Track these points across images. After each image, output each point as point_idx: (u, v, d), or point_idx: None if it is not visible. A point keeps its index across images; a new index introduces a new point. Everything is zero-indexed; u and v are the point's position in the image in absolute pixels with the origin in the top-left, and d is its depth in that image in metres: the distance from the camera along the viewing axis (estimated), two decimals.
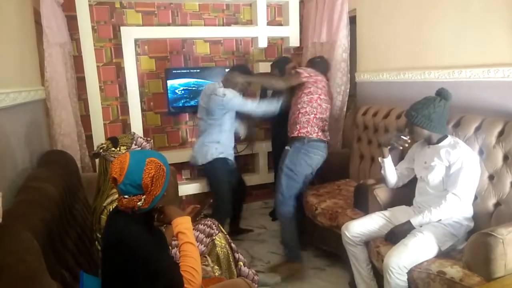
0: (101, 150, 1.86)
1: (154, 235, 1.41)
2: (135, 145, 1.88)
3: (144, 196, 1.34)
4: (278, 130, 3.16)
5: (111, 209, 1.68)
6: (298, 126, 2.69)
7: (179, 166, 3.56)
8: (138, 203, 1.33)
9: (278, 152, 3.10)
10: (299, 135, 2.67)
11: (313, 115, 2.66)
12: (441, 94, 1.98)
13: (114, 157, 1.80)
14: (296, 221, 2.70)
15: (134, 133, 2.05)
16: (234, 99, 2.71)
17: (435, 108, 1.93)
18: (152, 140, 2.07)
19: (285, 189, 2.67)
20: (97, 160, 1.95)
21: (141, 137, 1.97)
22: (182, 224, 1.45)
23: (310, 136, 2.66)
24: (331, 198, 2.71)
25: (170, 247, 1.96)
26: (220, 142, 2.80)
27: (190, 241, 1.42)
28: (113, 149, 1.84)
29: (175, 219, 1.46)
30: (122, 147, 1.84)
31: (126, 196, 1.32)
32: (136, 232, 1.32)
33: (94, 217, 1.84)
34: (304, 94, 2.68)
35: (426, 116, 1.93)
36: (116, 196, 1.71)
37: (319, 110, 2.68)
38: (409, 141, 2.04)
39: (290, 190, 2.67)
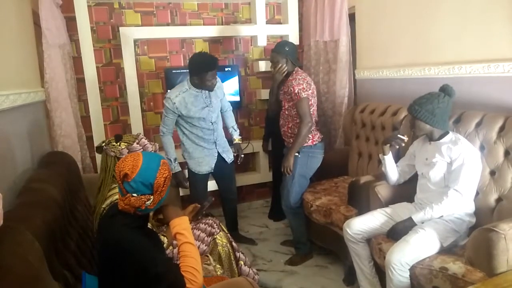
0: (103, 144, 1.88)
1: (151, 238, 1.41)
2: (137, 144, 1.88)
3: (153, 197, 1.34)
4: (273, 129, 3.20)
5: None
6: None
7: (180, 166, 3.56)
8: (147, 203, 1.33)
9: (278, 151, 3.14)
10: (304, 145, 2.66)
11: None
12: (445, 90, 1.98)
13: (113, 151, 1.83)
14: (304, 217, 2.79)
15: (140, 133, 2.05)
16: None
17: (439, 103, 1.92)
18: (157, 144, 2.06)
19: (296, 194, 2.74)
20: (99, 157, 1.95)
21: (145, 139, 1.97)
22: (180, 224, 1.45)
23: (314, 141, 2.70)
24: (326, 195, 2.71)
25: (171, 246, 1.97)
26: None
27: (189, 241, 1.42)
28: (113, 143, 1.85)
29: (172, 220, 1.46)
30: (122, 143, 1.85)
31: (134, 195, 1.31)
32: (134, 238, 1.32)
33: (95, 218, 1.84)
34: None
35: (429, 111, 1.92)
36: (116, 197, 1.71)
37: (314, 116, 2.70)
38: (405, 139, 2.05)
39: (299, 194, 2.77)
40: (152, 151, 1.92)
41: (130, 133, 3.35)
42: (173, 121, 2.67)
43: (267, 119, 3.56)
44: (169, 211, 1.51)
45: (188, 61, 2.65)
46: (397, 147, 2.11)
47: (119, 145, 1.84)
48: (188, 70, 2.65)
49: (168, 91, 2.72)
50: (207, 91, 2.67)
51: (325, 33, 3.38)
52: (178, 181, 2.78)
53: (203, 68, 2.51)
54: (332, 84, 3.45)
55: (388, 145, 2.16)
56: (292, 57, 2.65)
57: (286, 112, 2.73)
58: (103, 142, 1.90)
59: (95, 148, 2.05)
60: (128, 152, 1.82)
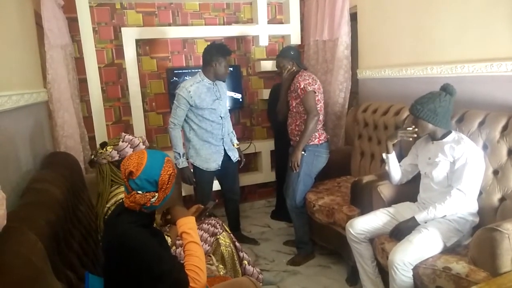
0: (92, 156, 1.90)
1: (156, 237, 1.42)
2: (122, 141, 1.89)
3: (158, 194, 1.36)
4: (280, 128, 3.18)
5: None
6: None
7: None
8: (152, 200, 1.35)
9: (282, 150, 3.14)
10: (310, 143, 2.69)
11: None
12: (446, 89, 1.97)
13: (104, 158, 1.86)
14: (307, 217, 2.80)
15: (122, 133, 2.06)
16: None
17: (441, 102, 1.92)
18: (143, 135, 2.06)
19: (301, 193, 2.76)
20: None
21: (129, 135, 1.97)
22: (186, 224, 1.47)
23: (320, 140, 2.72)
24: (329, 195, 2.70)
25: (175, 246, 1.97)
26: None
27: (195, 240, 1.44)
28: (100, 151, 1.87)
29: (179, 219, 1.49)
30: (108, 147, 1.87)
31: (139, 192, 1.33)
32: (140, 235, 1.33)
33: (98, 220, 1.85)
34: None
35: (431, 110, 1.92)
36: (120, 196, 1.71)
37: (321, 113, 2.71)
38: (416, 130, 2.03)
39: (304, 192, 2.78)
40: (140, 142, 1.94)
41: (132, 133, 3.36)
42: (184, 113, 2.68)
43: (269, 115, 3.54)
44: (177, 211, 1.54)
45: (204, 50, 2.68)
46: (410, 139, 2.09)
47: (106, 150, 1.86)
48: (202, 60, 2.69)
49: (182, 83, 2.72)
50: (217, 86, 2.74)
51: (325, 32, 3.37)
52: (185, 177, 2.78)
53: (222, 52, 2.63)
54: (327, 84, 3.45)
55: (392, 142, 2.16)
56: (297, 61, 2.79)
57: (294, 110, 2.76)
58: (91, 155, 1.94)
59: (88, 164, 2.08)
60: (117, 153, 1.86)
